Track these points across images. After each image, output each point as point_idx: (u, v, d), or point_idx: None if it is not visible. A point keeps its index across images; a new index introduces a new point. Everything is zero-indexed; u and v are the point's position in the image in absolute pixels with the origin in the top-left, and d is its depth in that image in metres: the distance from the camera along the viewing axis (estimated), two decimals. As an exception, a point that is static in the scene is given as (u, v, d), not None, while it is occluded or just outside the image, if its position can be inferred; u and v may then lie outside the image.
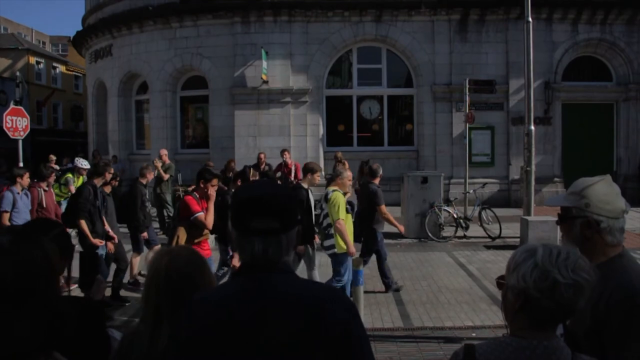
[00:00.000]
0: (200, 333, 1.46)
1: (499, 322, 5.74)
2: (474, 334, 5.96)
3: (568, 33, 16.01)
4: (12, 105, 12.16)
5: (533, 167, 10.87)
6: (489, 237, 11.29)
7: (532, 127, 10.86)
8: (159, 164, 12.12)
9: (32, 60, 34.92)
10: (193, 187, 13.17)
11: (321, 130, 16.17)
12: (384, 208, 7.45)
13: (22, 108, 12.22)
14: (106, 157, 18.67)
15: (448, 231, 11.43)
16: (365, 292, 6.53)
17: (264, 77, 15.40)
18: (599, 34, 16.04)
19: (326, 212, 6.49)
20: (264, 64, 15.32)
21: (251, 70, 15.80)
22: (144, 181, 8.29)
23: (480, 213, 11.83)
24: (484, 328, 6.09)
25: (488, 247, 10.65)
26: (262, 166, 12.64)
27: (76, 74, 38.40)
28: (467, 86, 13.26)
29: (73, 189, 9.89)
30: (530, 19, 10.88)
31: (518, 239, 10.49)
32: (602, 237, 1.95)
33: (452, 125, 15.73)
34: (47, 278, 1.19)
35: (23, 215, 7.12)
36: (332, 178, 6.84)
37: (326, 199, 6.49)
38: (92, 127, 20.49)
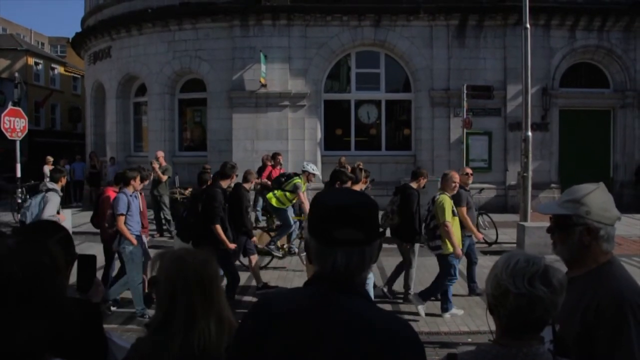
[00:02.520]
0: (258, 336, 1.44)
1: (494, 327, 5.76)
2: (469, 339, 5.98)
3: (566, 39, 16.08)
4: (10, 106, 12.19)
5: (530, 172, 10.90)
6: (486, 242, 11.29)
7: (530, 133, 10.90)
8: (157, 166, 12.10)
9: (31, 61, 34.90)
10: (189, 189, 12.84)
11: (319, 134, 16.19)
12: (463, 211, 7.34)
13: (20, 109, 12.25)
14: (103, 158, 18.70)
15: (445, 236, 11.42)
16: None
17: (262, 80, 15.42)
18: (597, 40, 16.12)
19: (433, 214, 6.70)
20: (263, 67, 15.34)
21: (250, 73, 15.82)
22: (247, 186, 7.89)
23: (477, 218, 11.84)
24: (479, 333, 6.09)
25: (485, 253, 10.64)
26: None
27: (75, 75, 38.37)
28: (465, 91, 13.33)
29: (302, 196, 9.11)
30: (528, 25, 10.93)
31: (515, 245, 10.51)
32: (599, 244, 1.97)
33: (450, 131, 15.76)
34: (53, 280, 1.21)
35: (135, 219, 6.91)
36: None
37: (433, 201, 6.75)
38: (90, 128, 20.48)
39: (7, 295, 1.12)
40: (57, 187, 7.18)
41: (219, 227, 6.59)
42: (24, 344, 1.12)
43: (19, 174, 12.31)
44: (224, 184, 7.06)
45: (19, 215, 12.33)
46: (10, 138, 11.72)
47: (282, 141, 15.75)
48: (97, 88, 19.64)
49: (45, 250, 1.22)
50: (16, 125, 11.75)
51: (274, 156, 13.18)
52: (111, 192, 7.39)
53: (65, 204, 18.56)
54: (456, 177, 6.89)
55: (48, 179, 16.28)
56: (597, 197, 1.99)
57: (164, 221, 12.06)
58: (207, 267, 1.96)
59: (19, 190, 12.70)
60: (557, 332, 1.81)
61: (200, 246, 6.99)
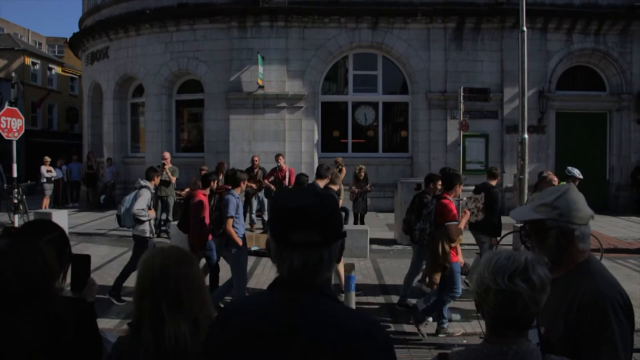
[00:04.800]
0: (225, 343, 1.44)
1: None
2: (465, 341, 5.98)
3: (562, 42, 16.13)
4: (6, 106, 12.14)
5: (526, 175, 10.92)
6: (482, 244, 11.30)
7: (526, 136, 10.93)
8: (168, 167, 12.16)
9: (28, 61, 34.81)
10: (187, 190, 12.76)
11: (316, 136, 16.21)
12: None
13: (16, 109, 12.22)
14: (101, 159, 18.68)
15: (441, 238, 11.41)
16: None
17: (259, 82, 15.43)
18: (593, 44, 16.17)
19: None
20: (260, 69, 15.35)
21: (247, 75, 15.83)
22: (321, 183, 7.64)
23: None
24: (475, 335, 6.10)
25: (481, 255, 10.66)
26: (256, 170, 12.60)
27: (72, 75, 38.28)
28: (462, 94, 13.33)
29: None
30: (525, 28, 10.96)
31: (511, 246, 10.51)
32: (575, 244, 2.00)
33: (447, 133, 15.80)
34: (47, 280, 1.21)
35: (241, 221, 6.86)
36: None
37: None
38: (87, 129, 20.46)
39: (2, 297, 1.11)
40: (150, 184, 7.71)
41: None
42: (19, 345, 1.12)
43: (15, 174, 12.28)
44: (322, 184, 7.10)
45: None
46: (6, 138, 11.69)
47: (279, 143, 15.76)
48: (95, 88, 19.62)
49: (37, 250, 1.22)
50: (13, 125, 11.73)
51: (276, 157, 13.23)
52: (201, 196, 7.38)
53: (61, 204, 18.59)
54: (555, 179, 6.99)
55: (44, 180, 16.14)
56: (568, 199, 2.01)
57: (162, 222, 12.04)
58: (177, 267, 1.90)
59: (15, 190, 12.66)
60: (542, 334, 1.82)
61: None
